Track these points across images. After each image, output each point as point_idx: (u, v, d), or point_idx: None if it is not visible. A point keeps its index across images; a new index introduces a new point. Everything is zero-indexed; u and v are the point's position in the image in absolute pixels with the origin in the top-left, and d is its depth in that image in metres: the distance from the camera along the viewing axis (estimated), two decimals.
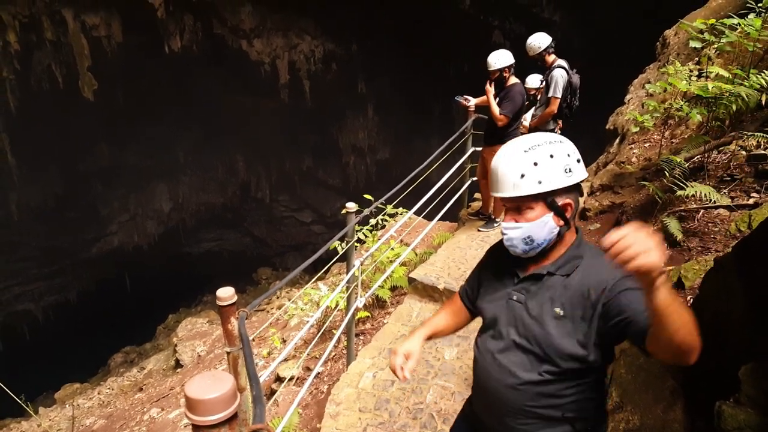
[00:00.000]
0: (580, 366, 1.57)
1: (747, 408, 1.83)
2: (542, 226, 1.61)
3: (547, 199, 1.60)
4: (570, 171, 1.58)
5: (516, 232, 1.64)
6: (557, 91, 5.81)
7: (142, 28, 14.21)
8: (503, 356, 1.69)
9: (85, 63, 13.23)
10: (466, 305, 1.99)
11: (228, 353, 2.43)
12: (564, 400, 1.62)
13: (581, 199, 6.67)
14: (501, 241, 1.75)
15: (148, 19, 13.58)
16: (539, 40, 5.91)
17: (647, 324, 1.36)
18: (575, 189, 1.63)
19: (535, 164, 1.57)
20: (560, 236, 1.65)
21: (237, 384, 2.54)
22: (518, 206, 1.64)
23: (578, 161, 1.62)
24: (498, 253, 1.84)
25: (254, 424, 1.07)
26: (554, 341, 1.57)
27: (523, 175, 1.58)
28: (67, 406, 8.89)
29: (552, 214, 1.61)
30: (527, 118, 6.41)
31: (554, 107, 5.88)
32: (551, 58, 5.92)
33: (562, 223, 1.63)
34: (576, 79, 5.99)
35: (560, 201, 1.61)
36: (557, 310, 1.58)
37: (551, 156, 1.58)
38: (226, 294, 2.32)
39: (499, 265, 1.81)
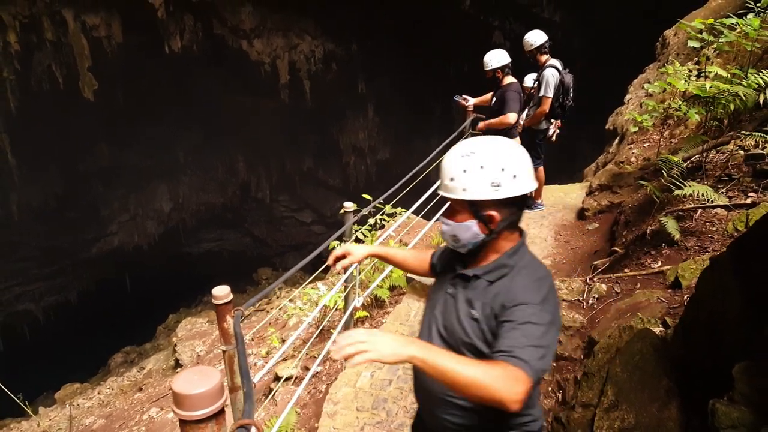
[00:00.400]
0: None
1: (741, 406, 1.83)
2: (466, 230, 1.64)
3: (472, 207, 1.61)
4: (498, 186, 1.56)
5: (446, 227, 1.71)
6: (548, 90, 5.87)
7: (143, 28, 14.21)
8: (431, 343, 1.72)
9: (85, 63, 13.25)
10: (433, 262, 2.01)
11: (224, 352, 2.43)
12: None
13: (584, 198, 6.67)
14: None
15: (149, 19, 13.59)
16: (533, 38, 5.97)
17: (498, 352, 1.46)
18: (511, 203, 1.61)
19: (464, 171, 1.58)
20: (489, 243, 1.67)
21: (232, 382, 2.55)
22: (450, 204, 1.68)
23: (514, 176, 1.58)
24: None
25: (243, 419, 1.07)
26: (465, 340, 1.63)
27: (452, 179, 1.61)
28: (67, 406, 8.89)
29: (477, 221, 1.62)
30: (523, 117, 6.44)
31: (546, 107, 5.93)
32: (544, 57, 5.96)
33: (487, 231, 1.63)
34: (569, 78, 6.01)
35: (485, 211, 1.61)
36: (473, 311, 1.62)
37: (481, 167, 1.57)
38: (221, 293, 2.33)
39: (445, 260, 1.91)
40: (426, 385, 1.75)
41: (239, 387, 2.53)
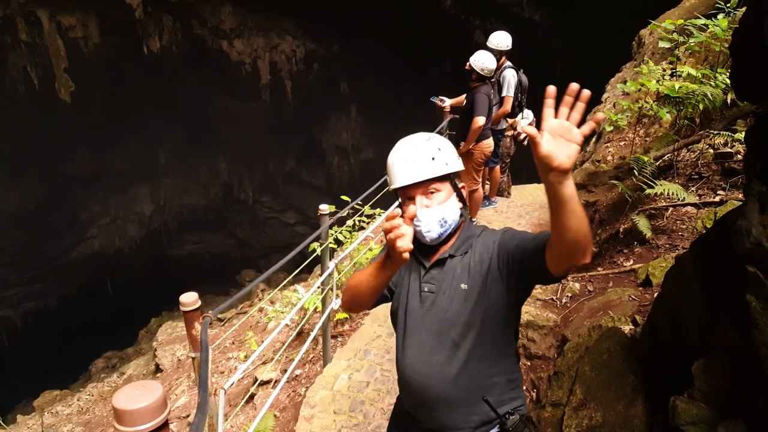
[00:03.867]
0: (491, 340, 1.70)
1: (700, 403, 1.86)
2: (452, 206, 1.75)
3: (452, 180, 1.78)
4: (458, 158, 1.81)
5: (431, 214, 1.71)
6: (509, 90, 6.11)
7: (120, 29, 14.05)
8: (426, 349, 1.75)
9: (61, 64, 13.07)
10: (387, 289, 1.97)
11: (193, 359, 2.42)
12: (485, 382, 1.72)
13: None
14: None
15: (126, 19, 13.44)
16: (508, 41, 6.17)
17: (541, 237, 1.53)
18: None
19: (440, 149, 1.74)
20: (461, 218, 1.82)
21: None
22: (426, 191, 1.72)
23: (458, 157, 1.85)
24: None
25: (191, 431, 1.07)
26: (464, 317, 1.68)
27: (434, 158, 1.71)
28: (46, 413, 8.77)
29: (455, 195, 1.78)
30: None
31: (508, 106, 6.20)
32: (502, 59, 6.16)
33: (461, 205, 1.80)
34: (525, 78, 6.34)
35: (459, 183, 1.82)
36: (462, 286, 1.70)
37: (445, 145, 1.78)
38: (189, 299, 2.31)
39: (410, 263, 1.84)
40: (426, 387, 1.74)
41: (212, 394, 2.51)
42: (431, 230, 1.72)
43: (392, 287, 1.91)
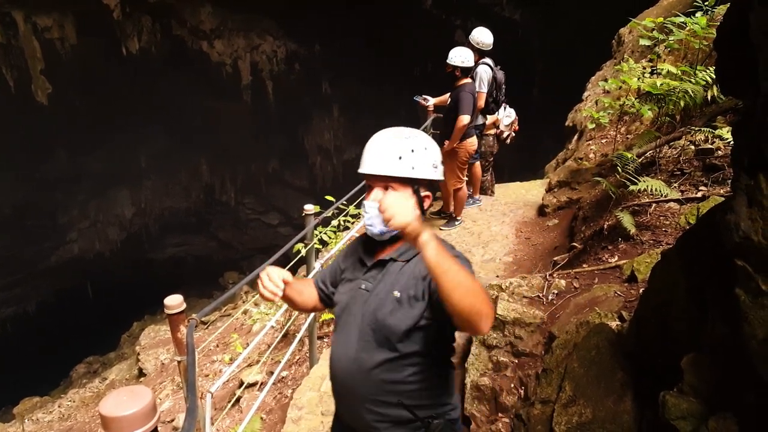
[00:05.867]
0: (419, 349, 1.66)
1: (689, 397, 1.87)
2: None
3: (414, 186, 1.73)
4: (436, 167, 1.75)
5: (377, 210, 1.69)
6: (482, 86, 6.14)
7: (98, 29, 13.84)
8: (352, 345, 1.75)
9: (37, 66, 12.83)
10: (321, 293, 1.99)
11: (179, 362, 2.38)
12: (404, 387, 1.70)
13: (544, 195, 6.79)
14: (361, 235, 1.87)
15: (104, 20, 13.24)
16: (490, 39, 6.19)
17: None
18: (432, 188, 1.80)
19: (412, 151, 1.69)
20: None
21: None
22: (386, 186, 1.72)
23: (441, 163, 1.79)
24: (355, 245, 1.94)
25: None
26: (391, 323, 1.66)
27: (400, 157, 1.68)
28: (26, 420, 8.61)
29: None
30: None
31: (481, 102, 6.21)
32: (478, 56, 6.20)
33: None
34: (501, 75, 6.37)
35: (422, 192, 1.75)
36: (395, 293, 1.68)
37: (425, 148, 1.72)
38: (174, 302, 2.28)
39: (354, 257, 1.90)
40: (348, 383, 1.77)
41: (198, 397, 2.47)
42: (374, 225, 1.72)
43: (330, 288, 1.96)
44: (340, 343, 1.82)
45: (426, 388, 1.72)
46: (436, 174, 1.74)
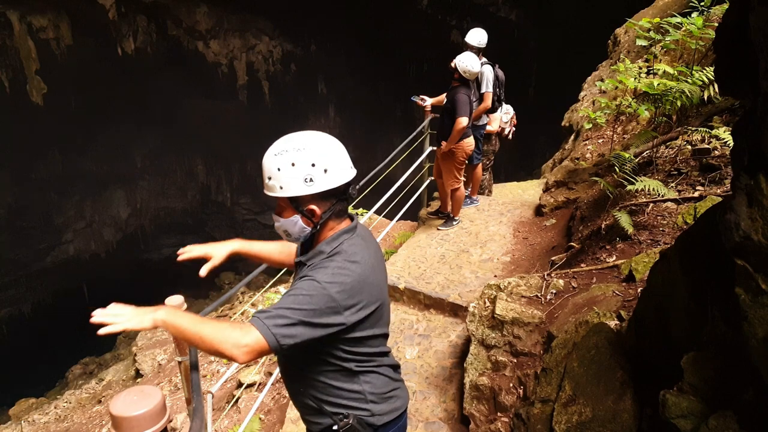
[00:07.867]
0: (318, 355, 1.71)
1: (690, 396, 1.88)
2: (293, 224, 1.74)
3: (293, 203, 1.70)
4: (311, 180, 1.64)
5: (277, 224, 1.79)
6: (488, 85, 6.18)
7: (94, 30, 13.81)
8: None
9: (32, 66, 12.79)
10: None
11: (179, 362, 2.37)
12: (315, 390, 1.77)
13: (541, 195, 6.80)
14: None
15: (100, 20, 13.21)
16: (485, 39, 6.24)
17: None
18: (330, 195, 1.70)
19: (279, 170, 1.64)
20: (316, 234, 1.78)
21: (189, 393, 2.48)
22: (277, 201, 1.75)
23: (326, 171, 1.65)
24: None
25: None
26: None
27: (270, 178, 1.67)
28: (22, 422, 8.57)
29: (300, 216, 1.71)
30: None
31: (488, 102, 6.24)
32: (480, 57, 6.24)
33: (312, 224, 1.73)
34: (501, 74, 6.41)
35: (306, 206, 1.69)
36: None
37: (293, 164, 1.63)
38: (175, 302, 2.27)
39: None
40: (288, 385, 1.89)
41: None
42: (281, 234, 1.81)
43: None
44: None
45: (335, 389, 1.77)
46: (310, 189, 1.65)
